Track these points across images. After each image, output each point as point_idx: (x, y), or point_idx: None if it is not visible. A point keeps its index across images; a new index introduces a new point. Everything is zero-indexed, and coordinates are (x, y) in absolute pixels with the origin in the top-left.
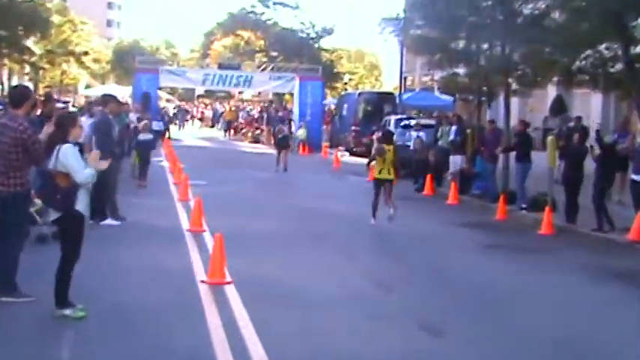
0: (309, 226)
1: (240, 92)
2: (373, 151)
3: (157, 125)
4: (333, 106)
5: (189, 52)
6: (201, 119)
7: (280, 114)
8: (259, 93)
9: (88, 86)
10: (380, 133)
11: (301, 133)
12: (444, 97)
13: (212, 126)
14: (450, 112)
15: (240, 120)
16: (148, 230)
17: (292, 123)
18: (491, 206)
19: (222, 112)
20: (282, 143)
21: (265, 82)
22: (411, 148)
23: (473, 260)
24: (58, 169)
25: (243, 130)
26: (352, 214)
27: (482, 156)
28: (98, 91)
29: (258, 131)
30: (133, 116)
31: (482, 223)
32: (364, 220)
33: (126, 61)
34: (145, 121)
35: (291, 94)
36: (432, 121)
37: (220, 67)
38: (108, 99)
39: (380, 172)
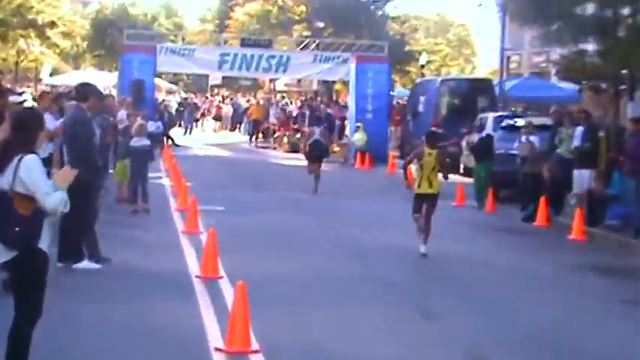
0: (368, 271)
1: (271, 80)
2: (411, 154)
3: (153, 126)
4: (404, 100)
5: (199, 22)
6: (216, 118)
7: (330, 111)
8: (299, 81)
9: (54, 72)
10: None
11: (359, 138)
12: (565, 85)
13: (232, 128)
14: (575, 107)
15: (272, 120)
16: (141, 276)
17: (346, 124)
18: (633, 243)
19: (247, 109)
20: (315, 152)
21: (307, 65)
22: (518, 158)
23: (605, 323)
24: (16, 189)
25: (276, 135)
26: (432, 254)
27: (622, 170)
28: (70, 78)
29: (297, 135)
30: (122, 114)
31: (620, 269)
32: (448, 263)
33: (110, 37)
34: (140, 121)
35: (345, 83)
36: (548, 120)
37: (244, 43)
38: (85, 90)
39: (419, 185)
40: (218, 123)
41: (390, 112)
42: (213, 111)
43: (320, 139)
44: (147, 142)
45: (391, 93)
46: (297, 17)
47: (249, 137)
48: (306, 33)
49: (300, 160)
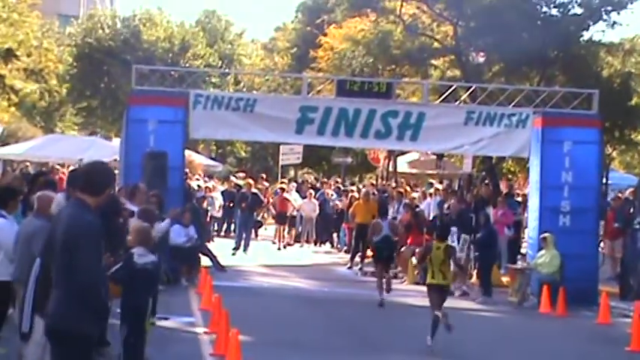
0: None
1: (389, 156)
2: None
3: (179, 234)
4: (628, 192)
5: (254, 48)
6: (280, 219)
7: (500, 212)
8: (439, 158)
9: (6, 135)
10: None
11: (545, 260)
12: None
13: (321, 239)
14: None
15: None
16: None
17: (522, 236)
18: None
19: (346, 207)
20: (385, 252)
21: (455, 129)
22: None
23: None
24: None
25: (402, 249)
26: None
27: None
28: (38, 148)
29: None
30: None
31: None
32: None
33: (107, 75)
34: (141, 224)
35: (520, 161)
36: None
37: (342, 90)
38: (87, 175)
39: (432, 277)
40: (289, 229)
41: (603, 213)
42: (284, 207)
43: (390, 235)
44: (151, 258)
45: (604, 180)
46: (436, 44)
47: (350, 258)
48: (452, 72)
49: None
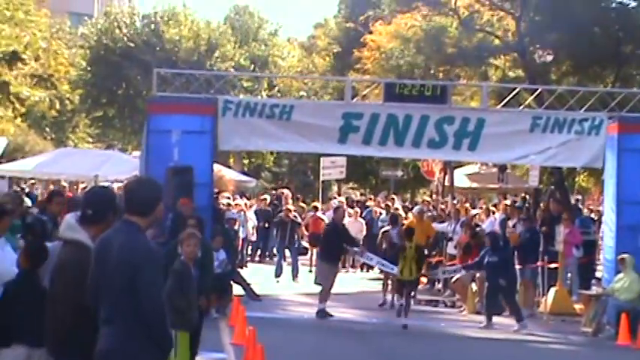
0: None
1: (445, 168)
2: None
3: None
4: None
5: (290, 48)
6: (313, 241)
7: (567, 231)
8: (501, 170)
9: (11, 150)
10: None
11: (624, 285)
12: None
13: (370, 266)
14: None
15: (450, 248)
16: None
17: (597, 259)
18: None
19: (401, 225)
20: (389, 259)
21: (520, 137)
22: None
23: None
24: None
25: (457, 277)
26: None
27: None
28: (47, 164)
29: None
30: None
31: None
32: None
33: (124, 80)
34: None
35: (594, 172)
36: None
37: (391, 95)
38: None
39: (402, 272)
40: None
41: None
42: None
43: (403, 246)
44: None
45: None
46: (497, 40)
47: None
48: (513, 73)
49: (503, 331)
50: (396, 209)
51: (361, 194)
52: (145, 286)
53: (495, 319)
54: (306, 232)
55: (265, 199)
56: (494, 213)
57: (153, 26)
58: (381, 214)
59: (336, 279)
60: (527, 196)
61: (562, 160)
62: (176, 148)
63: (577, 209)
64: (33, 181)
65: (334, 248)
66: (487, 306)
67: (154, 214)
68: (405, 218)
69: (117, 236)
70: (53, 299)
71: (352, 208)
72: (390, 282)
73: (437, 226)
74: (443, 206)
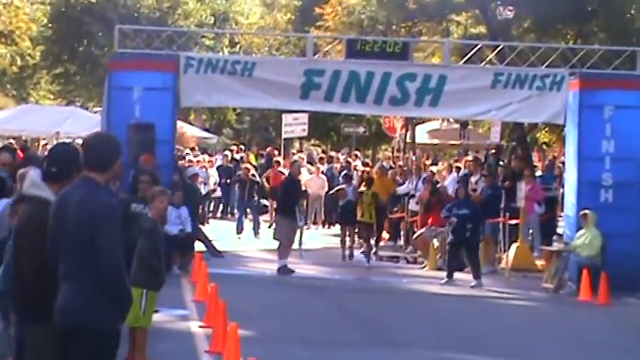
0: None
1: (406, 124)
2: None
3: (174, 222)
4: None
5: (252, 4)
6: (274, 194)
7: (529, 187)
8: (462, 126)
9: None
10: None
11: (585, 241)
12: None
13: (331, 222)
14: None
15: (412, 204)
16: None
17: (557, 213)
18: None
19: (360, 182)
20: (346, 215)
21: (481, 93)
22: None
23: None
24: None
25: (418, 233)
26: None
27: None
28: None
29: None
30: None
31: None
32: None
33: (86, 37)
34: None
35: (555, 129)
36: None
37: (352, 51)
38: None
39: (362, 215)
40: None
41: None
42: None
43: (353, 199)
44: None
45: None
46: None
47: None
48: (475, 29)
49: (464, 287)
50: (355, 167)
51: (323, 151)
52: (104, 242)
53: (456, 275)
54: (267, 185)
55: (227, 156)
56: (458, 170)
57: None
58: (342, 170)
59: (296, 235)
60: (489, 153)
61: (523, 115)
62: (138, 104)
63: (552, 165)
64: None
65: (291, 202)
66: (449, 262)
67: (112, 169)
68: (366, 173)
69: (76, 192)
70: (19, 257)
71: (312, 164)
72: (347, 238)
73: (399, 189)
74: (401, 163)
